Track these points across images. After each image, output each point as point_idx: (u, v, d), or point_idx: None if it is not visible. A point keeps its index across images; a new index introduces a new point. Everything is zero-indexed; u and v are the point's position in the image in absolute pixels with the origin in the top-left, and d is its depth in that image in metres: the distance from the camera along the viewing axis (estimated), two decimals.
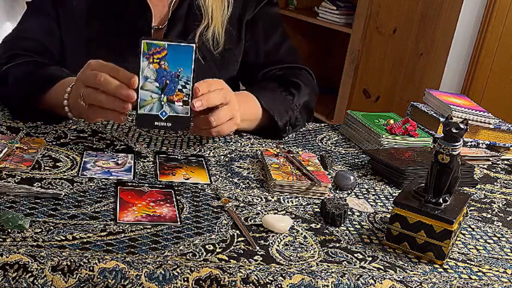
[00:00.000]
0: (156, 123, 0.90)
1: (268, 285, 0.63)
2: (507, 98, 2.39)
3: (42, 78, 1.04)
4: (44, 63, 1.11)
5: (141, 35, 1.20)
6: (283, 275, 0.65)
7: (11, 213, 0.69)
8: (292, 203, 0.85)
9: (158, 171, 0.90)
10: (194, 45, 0.89)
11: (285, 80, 1.21)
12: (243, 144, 1.08)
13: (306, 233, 0.77)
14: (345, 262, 0.70)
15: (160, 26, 1.20)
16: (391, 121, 1.16)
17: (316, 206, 0.85)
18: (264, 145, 1.09)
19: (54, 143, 0.97)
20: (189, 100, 0.90)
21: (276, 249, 0.71)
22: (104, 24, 1.18)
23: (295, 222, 0.79)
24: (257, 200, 0.85)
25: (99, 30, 1.18)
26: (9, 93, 1.07)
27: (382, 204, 0.89)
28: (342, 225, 0.80)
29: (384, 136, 1.11)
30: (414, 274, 0.70)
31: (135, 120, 0.90)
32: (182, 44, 0.89)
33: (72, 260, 0.62)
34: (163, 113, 0.89)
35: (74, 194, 0.79)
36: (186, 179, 0.88)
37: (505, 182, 1.07)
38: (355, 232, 0.79)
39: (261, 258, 0.68)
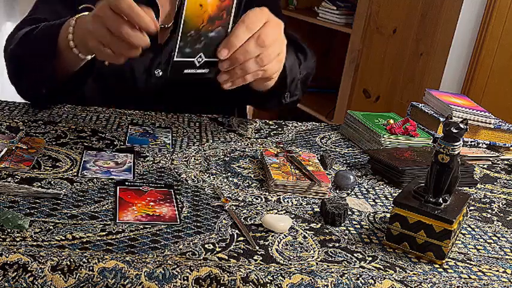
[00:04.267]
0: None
1: (268, 285, 0.63)
2: (507, 98, 2.39)
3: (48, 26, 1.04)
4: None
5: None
6: (283, 274, 0.65)
7: (11, 213, 0.69)
8: (292, 203, 0.85)
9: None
10: None
11: (293, 40, 1.13)
12: (243, 144, 1.08)
13: (306, 232, 0.77)
14: (345, 262, 0.70)
15: (167, 24, 1.19)
16: (391, 121, 1.16)
17: (316, 206, 0.85)
18: (264, 145, 1.09)
19: (54, 143, 0.97)
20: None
21: (276, 249, 0.71)
22: None
23: (295, 222, 0.79)
24: (257, 200, 0.85)
25: None
26: (26, 50, 1.05)
27: (382, 204, 0.89)
28: (342, 225, 0.80)
29: (384, 136, 1.11)
30: (414, 274, 0.70)
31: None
32: None
33: (71, 260, 0.62)
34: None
35: (73, 194, 0.79)
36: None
37: (505, 182, 1.07)
38: (355, 232, 0.79)
39: (261, 258, 0.68)
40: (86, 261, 0.63)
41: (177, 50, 0.77)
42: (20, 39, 1.08)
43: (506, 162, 1.19)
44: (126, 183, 0.84)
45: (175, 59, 0.78)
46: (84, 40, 0.93)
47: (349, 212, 0.84)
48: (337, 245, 0.74)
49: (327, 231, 0.78)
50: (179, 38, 0.77)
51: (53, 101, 1.15)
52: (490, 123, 1.20)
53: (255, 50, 0.84)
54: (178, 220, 0.75)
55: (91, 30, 0.88)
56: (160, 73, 1.17)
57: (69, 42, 0.96)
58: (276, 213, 0.81)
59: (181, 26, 0.76)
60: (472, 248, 0.79)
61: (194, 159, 0.97)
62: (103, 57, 0.90)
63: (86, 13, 0.96)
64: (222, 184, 0.89)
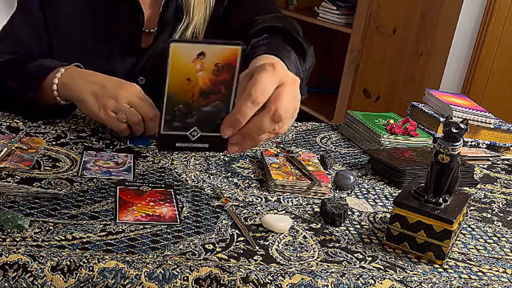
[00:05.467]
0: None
1: (268, 285, 0.63)
2: (507, 98, 2.39)
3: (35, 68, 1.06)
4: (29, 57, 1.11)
5: (131, 39, 1.20)
6: (283, 274, 0.65)
7: (11, 213, 0.69)
8: (292, 203, 0.85)
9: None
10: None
11: (290, 36, 1.09)
12: None
13: (306, 233, 0.77)
14: (345, 262, 0.70)
15: (152, 29, 1.19)
16: (391, 121, 1.16)
17: (316, 206, 0.85)
18: (264, 145, 1.09)
19: (54, 143, 0.97)
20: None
21: (276, 249, 0.71)
22: (94, 28, 1.18)
23: (295, 222, 0.79)
24: (257, 200, 0.85)
25: (88, 34, 1.18)
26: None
27: (382, 204, 0.89)
28: (342, 225, 0.80)
29: (384, 136, 1.11)
30: (414, 274, 0.70)
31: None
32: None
33: (71, 260, 0.62)
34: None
35: (73, 194, 0.79)
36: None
37: (505, 182, 1.07)
38: (355, 232, 0.79)
39: (261, 258, 0.68)
40: (86, 261, 0.62)
41: (163, 123, 0.73)
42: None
43: (506, 162, 1.19)
44: (126, 183, 0.84)
45: (162, 132, 0.74)
46: (86, 102, 0.99)
47: (349, 212, 0.84)
48: (337, 245, 0.74)
49: (327, 231, 0.78)
50: (164, 110, 0.72)
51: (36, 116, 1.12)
52: (490, 123, 1.20)
53: (270, 126, 0.74)
54: (178, 220, 0.75)
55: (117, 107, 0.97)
56: (144, 81, 1.18)
57: (53, 93, 1.02)
58: (276, 213, 0.81)
59: (165, 99, 0.72)
60: (472, 248, 0.79)
61: (194, 159, 0.97)
62: (112, 125, 0.99)
63: (74, 67, 1.03)
64: (222, 184, 0.89)
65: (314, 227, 0.79)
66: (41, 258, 0.62)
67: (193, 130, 0.74)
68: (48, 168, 0.87)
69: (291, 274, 0.65)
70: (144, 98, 1.00)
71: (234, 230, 0.75)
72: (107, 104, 0.97)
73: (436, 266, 0.72)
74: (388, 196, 0.92)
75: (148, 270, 0.63)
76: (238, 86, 0.73)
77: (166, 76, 0.70)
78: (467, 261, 0.75)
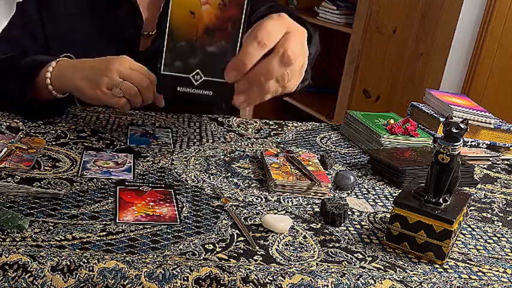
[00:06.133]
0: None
1: (268, 285, 0.63)
2: (507, 98, 2.39)
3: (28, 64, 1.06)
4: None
5: (130, 42, 1.20)
6: (283, 274, 0.65)
7: (11, 213, 0.69)
8: (292, 203, 0.85)
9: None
10: None
11: (296, 17, 1.06)
12: (243, 144, 1.08)
13: (306, 233, 0.77)
14: (345, 262, 0.70)
15: (150, 32, 1.19)
16: (391, 121, 1.16)
17: (316, 206, 0.85)
18: (264, 145, 1.09)
19: (54, 143, 0.97)
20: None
21: (276, 249, 0.71)
22: (93, 30, 1.18)
23: (295, 222, 0.79)
24: (257, 200, 0.85)
25: (87, 36, 1.18)
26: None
27: (382, 204, 0.89)
28: (342, 225, 0.80)
29: (384, 136, 1.11)
30: (414, 274, 0.70)
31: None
32: None
33: (71, 260, 0.62)
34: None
35: (73, 194, 0.79)
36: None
37: (505, 182, 1.07)
38: (355, 232, 0.79)
39: (261, 258, 0.68)
40: (86, 261, 0.62)
41: (163, 62, 0.68)
42: None
43: (506, 162, 1.19)
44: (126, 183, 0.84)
45: (162, 72, 0.69)
46: (77, 86, 1.00)
47: (349, 212, 0.84)
48: (337, 245, 0.74)
49: (327, 231, 0.78)
50: (165, 47, 0.67)
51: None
52: (490, 123, 1.20)
53: (279, 69, 0.70)
54: (178, 220, 0.75)
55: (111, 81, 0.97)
56: None
57: (48, 87, 1.03)
58: (276, 213, 0.81)
59: (166, 33, 0.67)
60: (472, 248, 0.79)
61: (194, 159, 0.97)
62: (112, 102, 0.99)
63: (64, 58, 1.04)
64: (222, 184, 0.89)
65: (314, 227, 0.79)
66: (40, 258, 0.62)
67: (196, 73, 0.69)
68: (48, 168, 0.87)
69: (291, 274, 0.65)
70: (136, 66, 0.99)
71: (234, 230, 0.75)
72: (100, 83, 0.97)
73: (436, 266, 0.72)
74: (388, 196, 0.92)
75: (148, 270, 0.63)
76: (246, 35, 0.68)
77: (168, 6, 0.66)
78: (467, 261, 0.75)
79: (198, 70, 0.69)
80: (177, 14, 0.66)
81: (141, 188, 0.83)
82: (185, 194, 0.83)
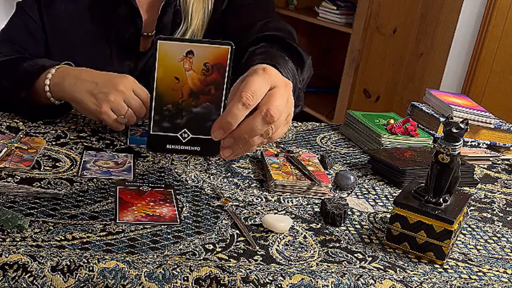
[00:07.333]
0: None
1: (268, 285, 0.63)
2: (507, 98, 2.39)
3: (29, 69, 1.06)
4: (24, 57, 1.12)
5: (130, 42, 1.20)
6: (283, 274, 0.65)
7: (11, 213, 0.69)
8: (292, 203, 0.85)
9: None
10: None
11: (289, 45, 1.08)
12: None
13: (306, 233, 0.77)
14: (345, 262, 0.70)
15: (150, 33, 1.19)
16: (391, 121, 1.16)
17: (316, 206, 0.85)
18: (264, 145, 1.09)
19: (54, 143, 0.97)
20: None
21: (276, 249, 0.71)
22: (93, 31, 1.18)
23: (295, 222, 0.79)
24: (257, 200, 0.85)
25: (87, 36, 1.18)
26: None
27: (382, 204, 0.89)
28: (342, 225, 0.80)
29: (384, 136, 1.11)
30: (414, 274, 0.70)
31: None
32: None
33: (71, 260, 0.62)
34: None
35: (73, 194, 0.79)
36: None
37: (506, 182, 1.07)
38: (355, 232, 0.79)
39: (261, 258, 0.68)
40: (86, 261, 0.62)
41: (152, 124, 0.73)
42: None
43: (506, 162, 1.19)
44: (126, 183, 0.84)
45: (151, 132, 0.73)
46: (78, 97, 1.00)
47: (349, 212, 0.84)
48: (337, 245, 0.74)
49: (327, 231, 0.78)
50: (153, 110, 0.72)
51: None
52: (490, 123, 1.20)
53: (262, 127, 0.72)
54: (178, 220, 0.75)
55: (111, 100, 0.97)
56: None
57: (46, 94, 1.03)
58: (276, 213, 0.81)
59: (154, 97, 0.71)
60: (473, 248, 0.78)
61: (194, 159, 0.97)
62: (106, 119, 0.99)
63: (65, 66, 1.04)
64: (222, 184, 0.89)
65: (314, 227, 0.79)
66: (40, 258, 0.62)
67: (184, 132, 0.73)
68: (48, 168, 0.87)
69: (291, 274, 0.65)
70: (139, 90, 1.00)
71: (234, 230, 0.75)
72: (104, 102, 0.97)
73: (436, 266, 0.72)
74: (388, 196, 0.92)
75: (148, 270, 0.63)
76: (231, 92, 0.73)
77: (154, 74, 0.71)
78: (468, 261, 0.75)
79: (185, 129, 0.74)
80: (163, 80, 0.71)
81: (141, 188, 0.83)
82: (185, 194, 0.83)
